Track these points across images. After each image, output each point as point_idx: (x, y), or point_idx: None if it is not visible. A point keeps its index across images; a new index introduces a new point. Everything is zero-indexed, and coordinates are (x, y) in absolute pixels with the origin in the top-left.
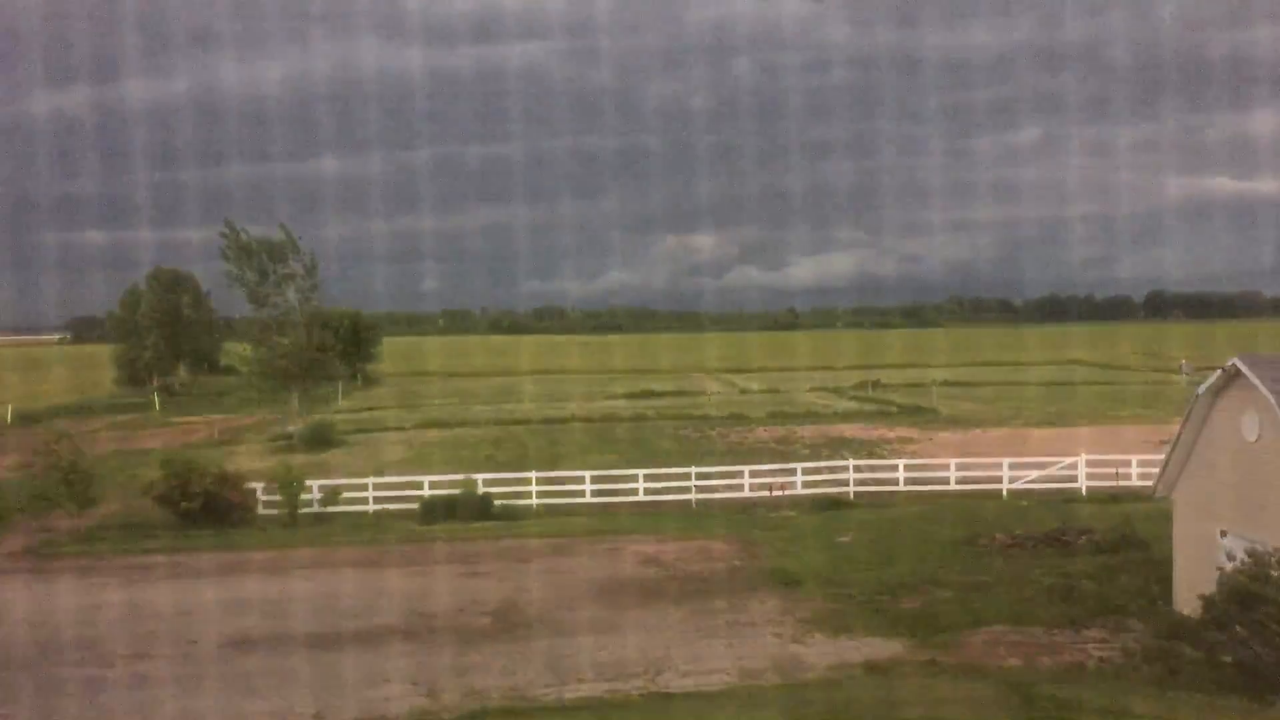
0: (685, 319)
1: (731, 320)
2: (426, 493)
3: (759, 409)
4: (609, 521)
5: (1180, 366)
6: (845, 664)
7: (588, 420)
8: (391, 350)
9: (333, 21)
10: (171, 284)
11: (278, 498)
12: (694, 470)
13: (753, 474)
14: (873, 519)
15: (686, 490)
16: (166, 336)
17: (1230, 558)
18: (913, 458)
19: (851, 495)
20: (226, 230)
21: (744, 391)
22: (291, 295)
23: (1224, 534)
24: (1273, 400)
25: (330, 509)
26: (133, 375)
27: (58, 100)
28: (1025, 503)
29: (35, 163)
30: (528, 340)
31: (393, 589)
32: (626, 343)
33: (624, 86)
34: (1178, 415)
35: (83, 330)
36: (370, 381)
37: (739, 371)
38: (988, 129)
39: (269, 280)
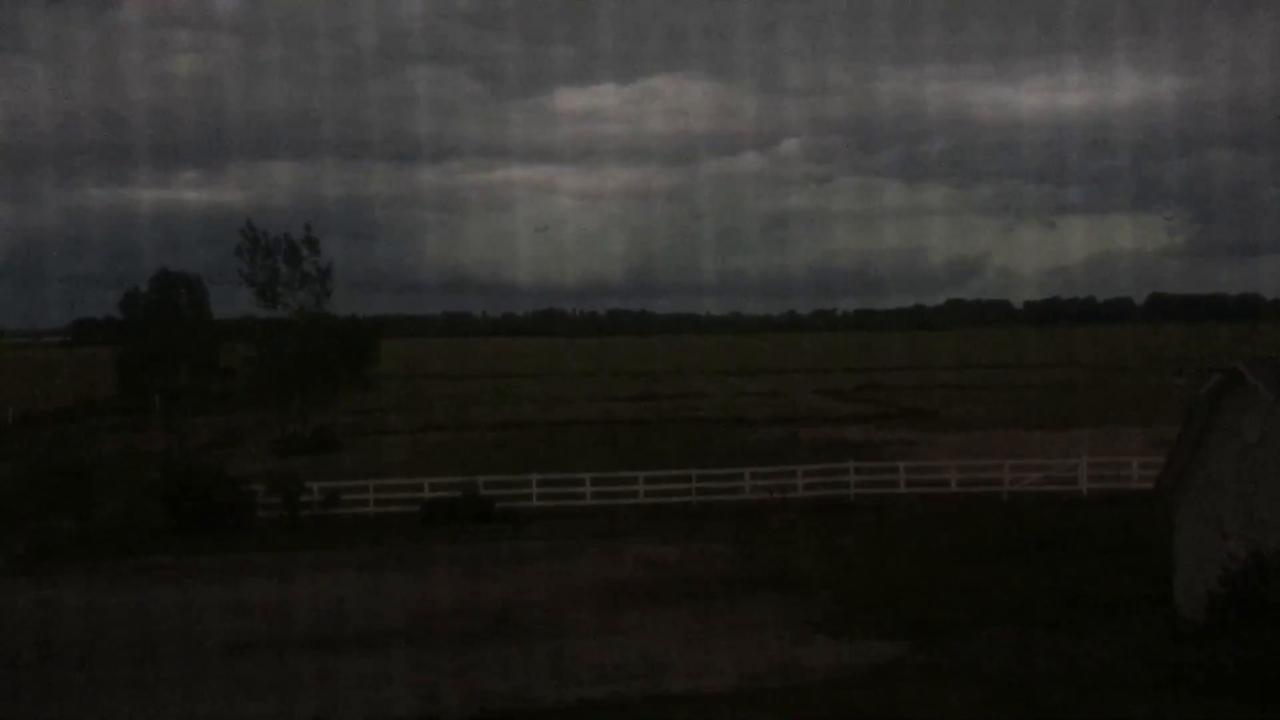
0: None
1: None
2: (427, 495)
3: (759, 410)
4: (610, 524)
5: (1182, 369)
6: (846, 666)
7: (589, 423)
8: (392, 353)
9: None
10: (172, 286)
11: (278, 500)
12: (694, 473)
13: (753, 476)
14: (873, 521)
15: (687, 492)
16: (166, 339)
17: (1231, 560)
18: (913, 459)
19: (852, 497)
20: (246, 229)
21: (743, 393)
22: (304, 297)
23: (1225, 536)
24: (1274, 402)
25: (331, 511)
26: (133, 377)
27: None
28: (1026, 504)
29: None
30: (528, 343)
31: (393, 591)
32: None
33: None
34: (1178, 418)
35: (83, 333)
36: (371, 384)
37: (739, 374)
38: None
39: (281, 280)
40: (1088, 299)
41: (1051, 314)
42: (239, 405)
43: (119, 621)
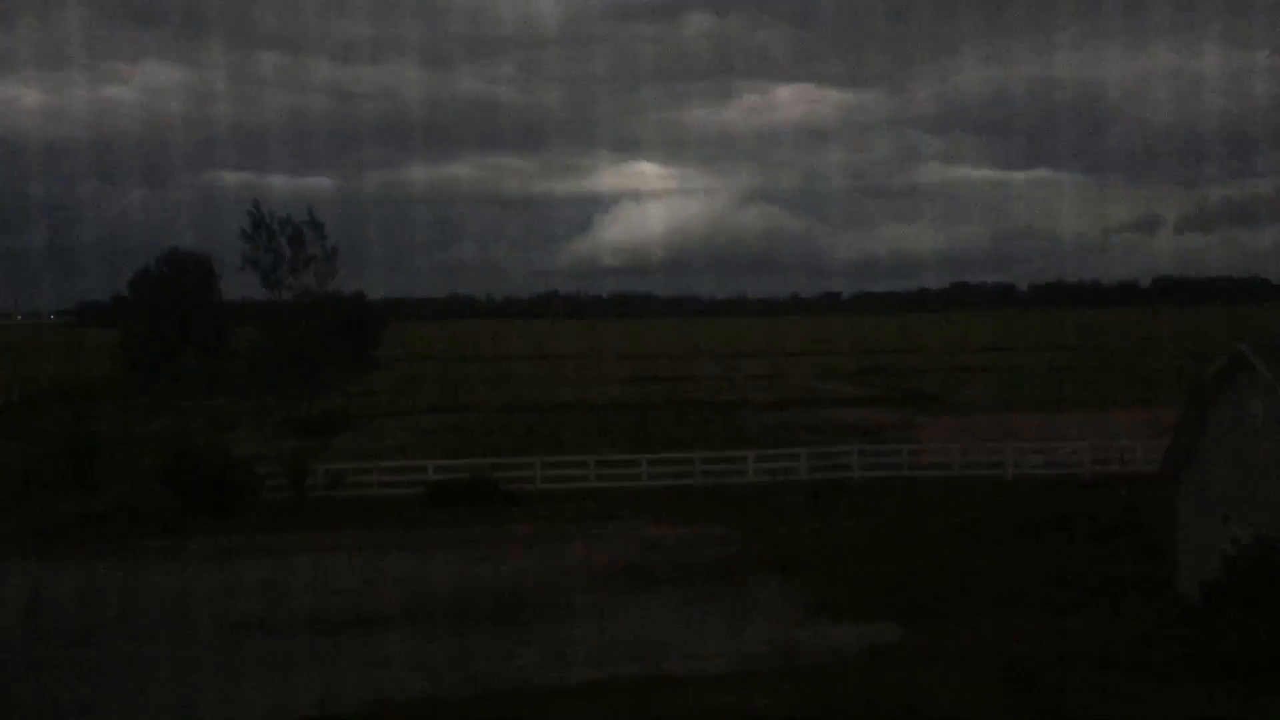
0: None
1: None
2: (431, 477)
3: (761, 393)
4: (612, 506)
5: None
6: (845, 649)
7: (592, 405)
8: (397, 336)
9: None
10: (181, 266)
11: (283, 482)
12: (697, 455)
13: (755, 459)
14: (875, 504)
15: (689, 475)
16: (174, 319)
17: (1234, 543)
18: (915, 442)
19: (855, 480)
20: (253, 210)
21: (746, 376)
22: (309, 279)
23: (1227, 519)
24: (1278, 386)
25: (335, 493)
26: (139, 358)
27: None
28: (1029, 487)
29: None
30: (532, 324)
31: (396, 573)
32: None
33: None
34: (1182, 401)
35: (88, 313)
36: (377, 366)
37: (738, 355)
38: None
39: (285, 263)
40: (1092, 282)
41: (1057, 296)
42: (245, 387)
43: (121, 602)
